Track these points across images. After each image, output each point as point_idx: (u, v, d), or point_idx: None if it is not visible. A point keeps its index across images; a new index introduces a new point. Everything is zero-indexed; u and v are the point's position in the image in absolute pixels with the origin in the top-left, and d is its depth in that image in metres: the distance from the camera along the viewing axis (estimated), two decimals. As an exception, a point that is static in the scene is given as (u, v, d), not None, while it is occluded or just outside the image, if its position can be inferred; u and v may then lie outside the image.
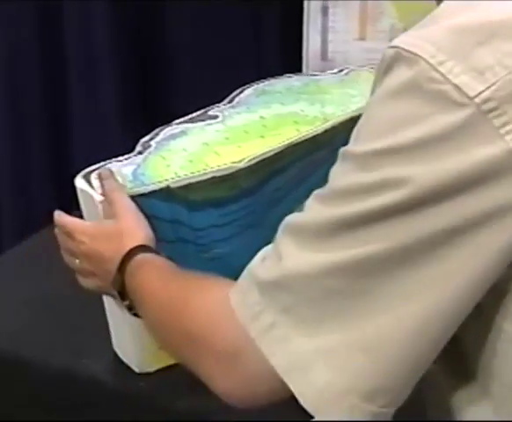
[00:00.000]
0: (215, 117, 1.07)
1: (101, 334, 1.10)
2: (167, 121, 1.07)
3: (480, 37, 0.64)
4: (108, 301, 1.05)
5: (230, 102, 1.11)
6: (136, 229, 0.96)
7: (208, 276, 0.83)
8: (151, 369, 1.05)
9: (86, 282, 1.00)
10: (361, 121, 0.68)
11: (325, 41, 1.50)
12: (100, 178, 1.00)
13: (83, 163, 1.04)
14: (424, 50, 0.64)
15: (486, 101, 0.63)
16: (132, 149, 1.04)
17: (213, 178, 0.98)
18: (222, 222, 0.99)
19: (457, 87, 0.63)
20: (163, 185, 0.98)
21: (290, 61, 1.50)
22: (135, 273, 0.91)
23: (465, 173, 0.63)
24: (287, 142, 1.00)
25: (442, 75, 0.63)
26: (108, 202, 0.98)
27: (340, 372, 0.67)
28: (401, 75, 0.64)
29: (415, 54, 0.64)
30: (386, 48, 0.66)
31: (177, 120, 1.09)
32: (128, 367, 1.06)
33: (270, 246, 0.73)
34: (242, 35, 1.62)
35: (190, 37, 1.64)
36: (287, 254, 0.69)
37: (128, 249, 0.93)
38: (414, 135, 0.63)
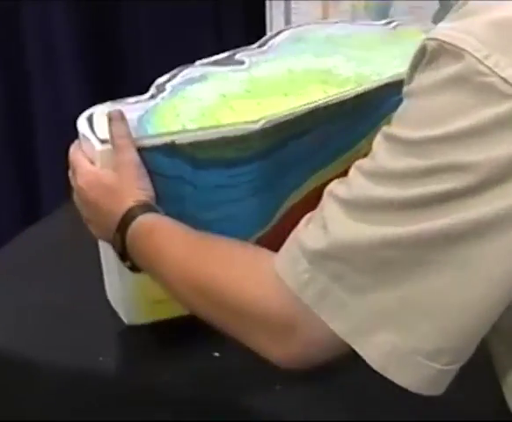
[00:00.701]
0: (242, 63, 0.99)
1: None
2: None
3: None
4: (103, 247, 0.99)
5: (262, 45, 1.03)
6: (138, 185, 0.91)
7: (239, 243, 0.83)
8: (139, 322, 1.00)
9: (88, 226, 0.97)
10: (407, 107, 0.70)
11: (288, 22, 1.50)
12: (109, 119, 0.92)
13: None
14: (468, 44, 0.66)
15: None
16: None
17: (223, 138, 0.89)
18: (230, 183, 0.92)
19: (504, 80, 0.65)
20: (167, 140, 0.90)
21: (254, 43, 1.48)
22: (143, 237, 0.88)
23: None
24: (309, 106, 0.91)
25: (490, 68, 0.66)
26: (114, 149, 0.92)
27: (404, 334, 0.70)
28: (449, 67, 0.67)
29: (461, 48, 0.66)
30: (426, 39, 0.69)
31: (201, 61, 1.01)
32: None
33: (315, 212, 0.74)
34: (204, 17, 1.58)
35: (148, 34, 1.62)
36: (334, 223, 0.71)
37: (128, 207, 0.89)
38: (467, 124, 0.66)
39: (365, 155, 0.73)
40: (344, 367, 0.83)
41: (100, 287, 1.06)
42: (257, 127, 0.89)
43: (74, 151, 0.96)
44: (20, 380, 1.03)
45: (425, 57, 0.69)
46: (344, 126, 0.94)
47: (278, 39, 1.04)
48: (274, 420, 0.94)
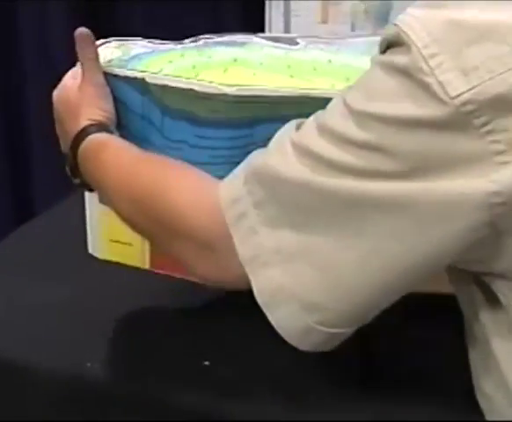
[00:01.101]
0: (296, 43, 0.96)
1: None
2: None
3: (474, 36, 0.67)
4: None
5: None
6: (97, 104, 0.92)
7: (187, 165, 0.83)
8: (100, 256, 1.01)
9: None
10: (363, 75, 0.73)
11: (287, 24, 1.48)
12: (77, 38, 0.93)
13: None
14: (420, 39, 0.68)
15: (465, 104, 0.66)
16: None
17: (191, 90, 0.86)
18: (195, 143, 0.88)
19: (441, 84, 0.67)
20: (138, 74, 0.89)
21: None
22: (92, 153, 0.89)
23: (444, 156, 0.68)
24: (292, 90, 0.86)
25: (431, 68, 0.67)
26: (81, 68, 0.94)
27: (291, 277, 0.73)
28: (399, 57, 0.69)
29: (412, 42, 0.68)
30: (391, 24, 0.70)
31: (264, 34, 1.02)
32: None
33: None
34: (204, 19, 1.56)
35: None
36: (277, 151, 0.74)
37: (83, 125, 0.90)
38: (400, 114, 0.68)
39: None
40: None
41: (92, 286, 1.05)
42: (226, 90, 0.86)
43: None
44: (13, 383, 0.99)
45: (387, 39, 0.71)
46: None
47: (364, 39, 0.99)
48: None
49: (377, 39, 0.98)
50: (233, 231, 0.74)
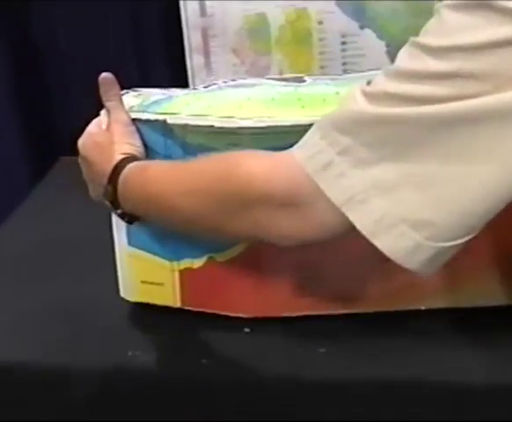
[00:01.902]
0: (303, 81, 1.00)
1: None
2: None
3: None
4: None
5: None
6: (127, 141, 0.95)
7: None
8: (131, 299, 1.02)
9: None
10: (431, 22, 0.75)
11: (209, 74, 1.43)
12: (101, 83, 0.98)
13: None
14: None
15: None
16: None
17: (211, 126, 0.90)
18: None
19: None
20: (160, 117, 0.93)
21: (168, 21, 1.41)
22: (134, 177, 0.91)
23: None
24: (306, 118, 0.87)
25: None
26: (105, 110, 0.98)
27: (395, 203, 0.75)
28: None
29: None
30: None
31: (272, 76, 1.08)
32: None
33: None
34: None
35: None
36: (351, 101, 0.77)
37: (118, 159, 0.93)
38: (482, 39, 0.71)
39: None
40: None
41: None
42: (243, 123, 0.90)
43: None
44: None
45: None
46: None
47: (369, 72, 0.99)
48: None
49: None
50: (320, 180, 0.77)
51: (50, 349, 0.99)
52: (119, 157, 0.93)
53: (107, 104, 0.97)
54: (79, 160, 0.99)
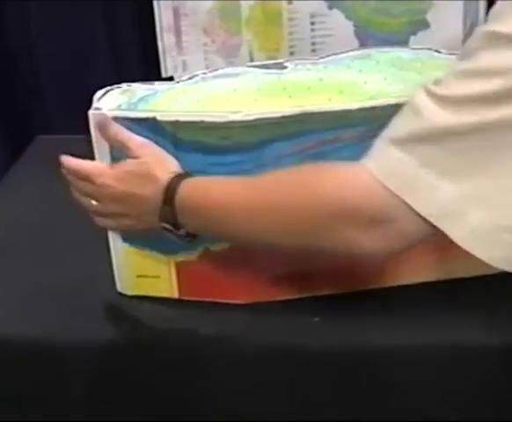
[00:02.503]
0: (285, 67, 1.01)
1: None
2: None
3: None
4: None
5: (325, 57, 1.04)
6: (166, 159, 0.92)
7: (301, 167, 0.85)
8: (128, 293, 1.03)
9: (108, 223, 0.97)
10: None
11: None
12: (100, 127, 0.94)
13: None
14: None
15: None
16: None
17: (201, 122, 0.91)
18: (209, 171, 0.92)
19: None
20: (150, 114, 0.93)
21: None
22: (198, 197, 0.88)
23: None
24: (292, 110, 0.90)
25: None
26: (119, 146, 0.94)
27: (493, 212, 0.75)
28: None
29: None
30: None
31: (253, 63, 1.07)
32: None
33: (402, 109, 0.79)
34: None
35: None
36: (428, 110, 0.75)
37: (168, 179, 0.90)
38: None
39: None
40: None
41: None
42: (235, 117, 0.90)
43: (71, 162, 0.96)
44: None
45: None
46: (347, 137, 0.91)
47: (345, 54, 1.04)
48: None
49: (359, 52, 1.07)
50: (405, 194, 0.75)
51: (44, 327, 1.00)
52: (167, 176, 0.90)
53: (118, 140, 0.94)
54: (103, 201, 0.95)
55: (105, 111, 0.95)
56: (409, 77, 0.97)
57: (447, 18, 1.35)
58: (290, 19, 1.38)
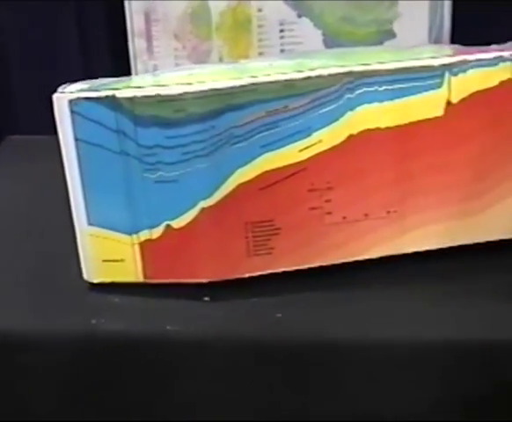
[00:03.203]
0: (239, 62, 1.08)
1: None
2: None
3: None
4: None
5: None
6: None
7: None
8: (95, 280, 1.04)
9: None
10: None
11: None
12: None
13: None
14: None
15: None
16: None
17: (157, 95, 0.95)
18: (168, 145, 0.96)
19: None
20: (109, 93, 0.96)
21: (111, 4, 1.44)
22: None
23: None
24: (243, 79, 0.96)
25: None
26: None
27: None
28: None
29: None
30: None
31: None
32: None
33: None
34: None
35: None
36: None
37: None
38: None
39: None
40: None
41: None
42: (188, 88, 0.95)
43: None
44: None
45: None
46: (295, 107, 0.95)
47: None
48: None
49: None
50: None
51: (12, 317, 1.00)
52: None
53: None
54: None
55: (67, 93, 0.97)
56: (354, 57, 1.02)
57: (413, 29, 1.38)
58: (260, 26, 1.40)
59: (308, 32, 1.40)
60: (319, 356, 0.95)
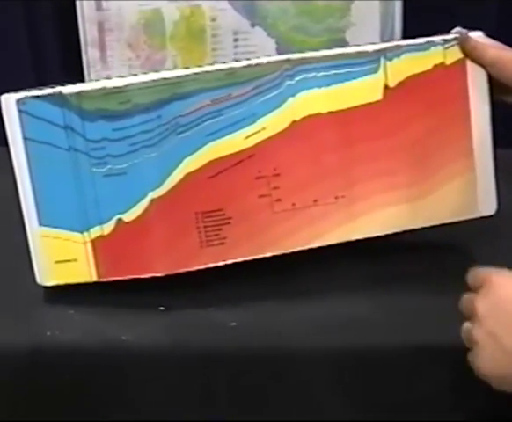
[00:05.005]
0: None
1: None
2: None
3: None
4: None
5: None
6: None
7: None
8: (48, 283, 1.02)
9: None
10: None
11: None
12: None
13: None
14: None
15: None
16: None
17: (103, 88, 0.96)
18: (115, 137, 0.96)
19: None
20: (56, 90, 0.97)
21: (64, 14, 1.42)
22: None
23: None
24: (187, 70, 0.98)
25: None
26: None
27: None
28: None
29: None
30: None
31: None
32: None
33: None
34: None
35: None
36: None
37: None
38: None
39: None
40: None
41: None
42: (132, 79, 0.97)
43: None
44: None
45: None
46: (238, 95, 0.97)
47: None
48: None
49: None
50: None
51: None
52: None
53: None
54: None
55: (13, 94, 0.97)
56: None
57: (364, 37, 1.39)
58: (214, 36, 1.41)
59: (261, 41, 1.41)
60: (274, 364, 0.95)
